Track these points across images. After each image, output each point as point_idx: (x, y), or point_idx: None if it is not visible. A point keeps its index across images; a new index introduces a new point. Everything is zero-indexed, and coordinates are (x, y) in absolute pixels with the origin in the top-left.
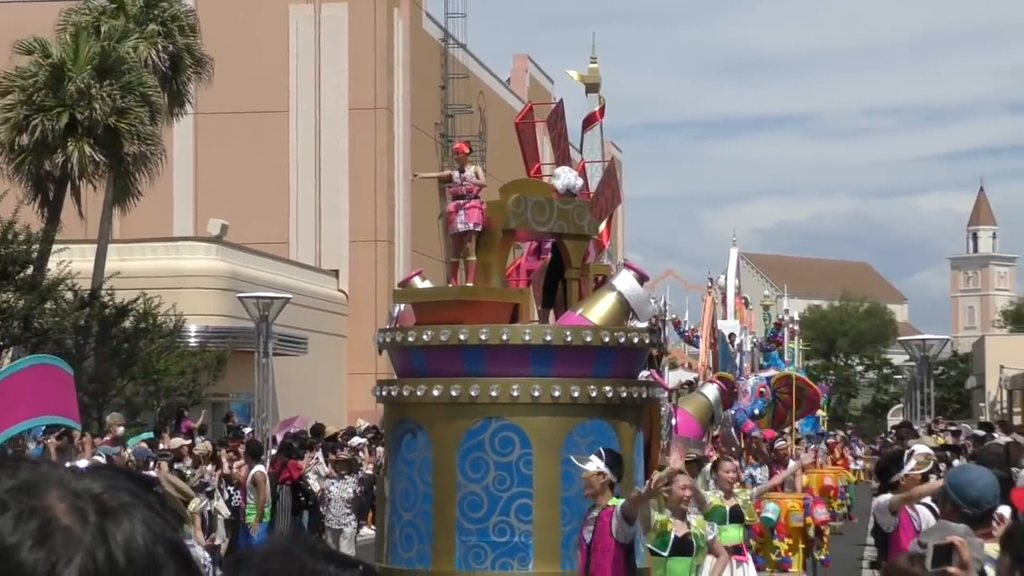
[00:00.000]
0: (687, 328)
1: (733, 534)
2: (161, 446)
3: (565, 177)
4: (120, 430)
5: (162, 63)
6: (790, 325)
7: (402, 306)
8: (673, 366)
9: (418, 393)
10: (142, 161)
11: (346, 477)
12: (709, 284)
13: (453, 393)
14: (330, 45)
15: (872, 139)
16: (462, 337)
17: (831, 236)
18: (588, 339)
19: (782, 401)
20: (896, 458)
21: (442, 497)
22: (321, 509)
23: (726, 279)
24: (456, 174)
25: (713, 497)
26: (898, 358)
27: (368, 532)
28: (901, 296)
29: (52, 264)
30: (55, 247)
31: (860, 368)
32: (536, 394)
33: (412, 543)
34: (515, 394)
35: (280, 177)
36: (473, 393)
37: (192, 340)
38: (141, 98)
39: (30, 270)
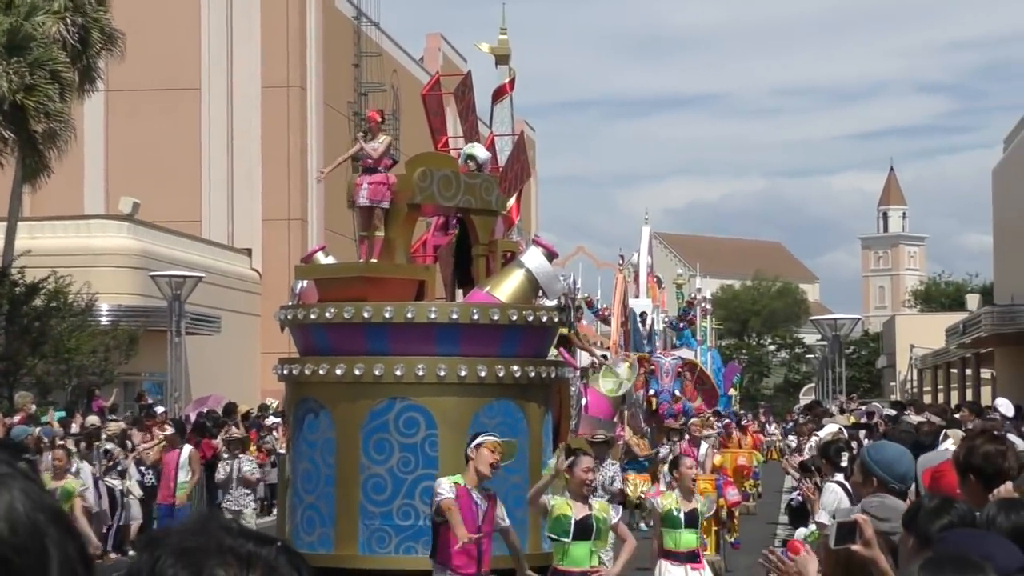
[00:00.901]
0: (600, 307)
1: (688, 539)
2: (73, 427)
3: (465, 149)
4: (32, 408)
5: (71, 37)
6: (702, 304)
7: (305, 283)
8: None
9: (320, 372)
10: (51, 138)
11: (240, 456)
12: (620, 262)
13: (356, 372)
14: (242, 22)
15: (783, 119)
16: (366, 315)
17: (743, 215)
18: (495, 317)
19: (683, 388)
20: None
21: (345, 479)
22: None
23: (638, 258)
24: (365, 144)
25: (556, 500)
26: (810, 337)
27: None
28: (812, 276)
29: None
30: None
31: (772, 348)
32: (442, 374)
33: (314, 526)
34: (420, 374)
35: (192, 155)
36: (377, 372)
37: (104, 319)
38: (50, 74)
39: None
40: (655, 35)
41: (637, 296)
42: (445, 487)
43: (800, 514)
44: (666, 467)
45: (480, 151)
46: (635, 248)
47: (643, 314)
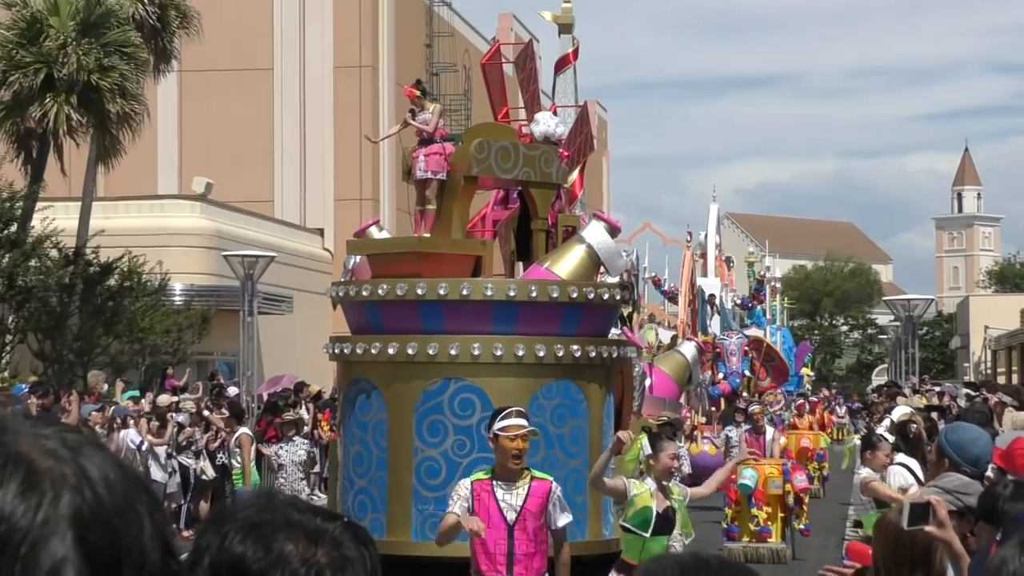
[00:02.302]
0: (668, 286)
1: (654, 548)
2: (145, 406)
3: (544, 123)
4: (105, 387)
5: (149, 16)
6: (772, 283)
7: (358, 258)
8: (653, 324)
9: (372, 351)
10: (126, 119)
11: (294, 439)
12: (688, 238)
13: (409, 351)
14: (315, 2)
15: (856, 99)
16: (419, 291)
17: (815, 196)
18: (555, 295)
19: (751, 367)
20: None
21: (398, 463)
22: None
23: (706, 236)
24: (413, 121)
25: (640, 488)
26: (883, 318)
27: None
28: (886, 256)
29: (36, 221)
30: (39, 204)
31: (845, 328)
32: (499, 353)
33: (366, 511)
34: (476, 353)
35: (265, 135)
36: (431, 352)
37: (177, 298)
38: (126, 55)
39: (14, 227)
40: (728, 15)
41: (705, 275)
42: (456, 495)
43: (922, 513)
44: (643, 454)
45: (542, 124)
46: (703, 225)
47: (711, 296)
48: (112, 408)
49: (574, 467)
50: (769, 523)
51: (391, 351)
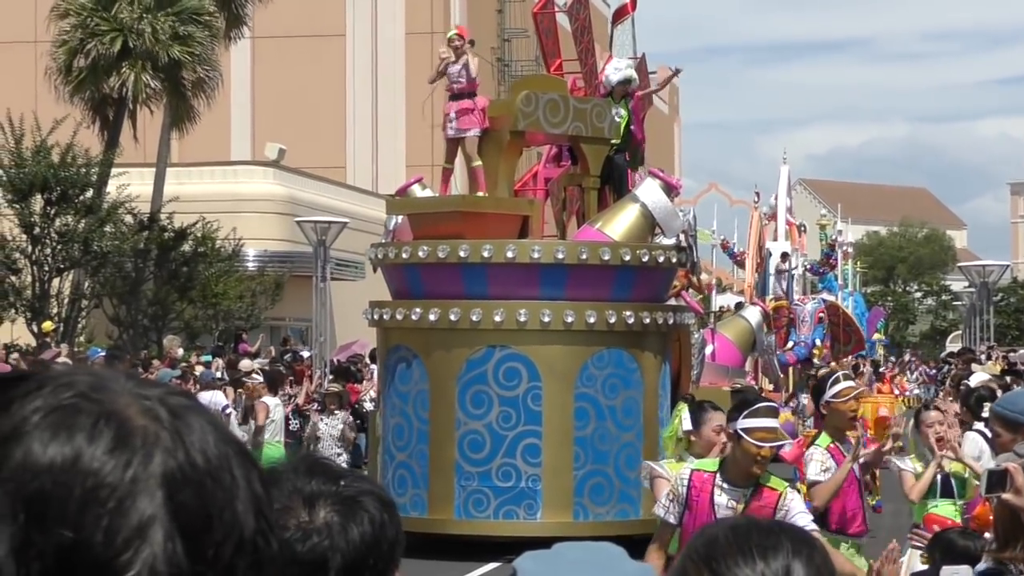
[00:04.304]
0: (736, 250)
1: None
2: (217, 372)
3: (620, 69)
4: (179, 352)
5: None
6: (844, 247)
7: (399, 218)
8: (721, 289)
9: (413, 317)
10: (199, 86)
11: (336, 412)
12: (755, 199)
13: (452, 318)
14: None
15: (929, 63)
16: (462, 254)
17: (886, 162)
18: (606, 257)
19: (834, 328)
20: (827, 379)
21: (439, 435)
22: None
23: (777, 199)
24: (450, 65)
25: (675, 471)
26: (957, 284)
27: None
28: (960, 222)
29: (111, 187)
30: (114, 171)
31: (919, 295)
32: (546, 320)
33: (406, 487)
34: (522, 319)
35: (337, 101)
36: (474, 318)
37: (250, 264)
38: (200, 23)
39: (89, 193)
40: None
41: (775, 240)
42: (669, 490)
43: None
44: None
45: (633, 72)
46: (773, 190)
47: (785, 254)
48: (200, 372)
49: (627, 441)
50: None
51: (432, 317)
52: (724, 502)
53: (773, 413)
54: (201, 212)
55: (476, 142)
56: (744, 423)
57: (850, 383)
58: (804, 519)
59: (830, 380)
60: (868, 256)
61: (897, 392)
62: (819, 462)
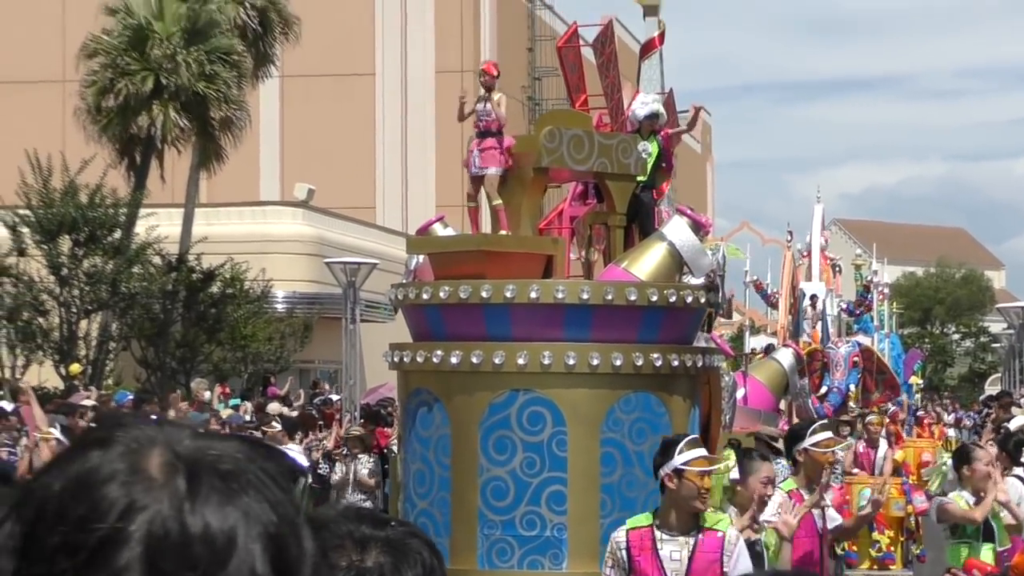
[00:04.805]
0: (770, 290)
1: None
2: (245, 415)
3: (647, 103)
4: (206, 395)
5: (251, 20)
6: (880, 288)
7: (420, 258)
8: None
9: (434, 359)
10: (227, 125)
11: (360, 456)
12: (788, 238)
13: (474, 360)
14: (416, 5)
15: (963, 101)
16: (484, 294)
17: (922, 201)
18: (633, 297)
19: (867, 374)
20: (806, 426)
21: (462, 482)
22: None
23: (811, 238)
24: (478, 104)
25: (718, 519)
26: (996, 326)
27: None
28: (998, 262)
29: (139, 228)
30: (142, 211)
31: (956, 336)
32: (571, 362)
33: (428, 535)
34: (546, 362)
35: (366, 141)
36: (497, 360)
37: (279, 306)
38: (228, 62)
39: (118, 234)
40: (831, 15)
41: (809, 280)
42: (608, 555)
43: None
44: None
45: (661, 108)
46: (807, 229)
47: (813, 297)
48: (228, 415)
49: (655, 487)
50: (892, 548)
51: (454, 360)
52: (668, 554)
53: (700, 443)
54: (229, 253)
55: (496, 181)
56: (680, 458)
57: (829, 434)
58: (745, 562)
59: (811, 428)
60: (905, 297)
61: (937, 436)
62: (777, 503)
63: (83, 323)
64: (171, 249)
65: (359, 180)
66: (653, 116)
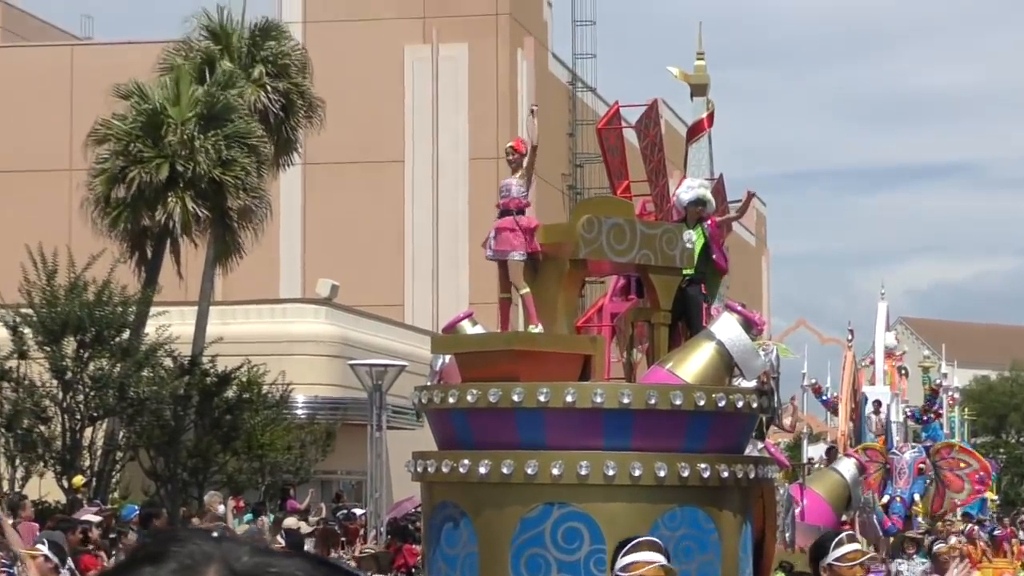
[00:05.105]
0: (830, 395)
1: None
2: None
3: (693, 188)
4: (220, 509)
5: (273, 104)
6: (950, 393)
7: (446, 358)
8: (813, 439)
9: (460, 470)
10: (246, 216)
11: None
12: (849, 338)
13: (504, 471)
14: (449, 89)
15: None
16: (515, 398)
17: (995, 298)
18: (678, 402)
19: (942, 480)
20: (830, 538)
21: None
22: None
23: (874, 338)
24: (508, 179)
25: None
26: None
27: None
28: None
29: (150, 328)
30: (153, 310)
31: None
32: (611, 473)
33: None
34: (584, 473)
35: (394, 233)
36: (529, 471)
37: (299, 411)
38: (248, 148)
39: (126, 334)
40: (895, 99)
41: (873, 384)
42: None
43: None
44: None
45: (708, 193)
46: (869, 328)
47: (877, 402)
48: (245, 532)
49: None
50: None
51: (482, 470)
52: None
53: (656, 548)
54: (246, 355)
55: (520, 267)
56: (622, 562)
57: (857, 546)
58: None
59: (835, 541)
60: (977, 403)
61: (1016, 555)
62: None
63: (88, 431)
64: (183, 351)
65: (386, 275)
66: (698, 202)
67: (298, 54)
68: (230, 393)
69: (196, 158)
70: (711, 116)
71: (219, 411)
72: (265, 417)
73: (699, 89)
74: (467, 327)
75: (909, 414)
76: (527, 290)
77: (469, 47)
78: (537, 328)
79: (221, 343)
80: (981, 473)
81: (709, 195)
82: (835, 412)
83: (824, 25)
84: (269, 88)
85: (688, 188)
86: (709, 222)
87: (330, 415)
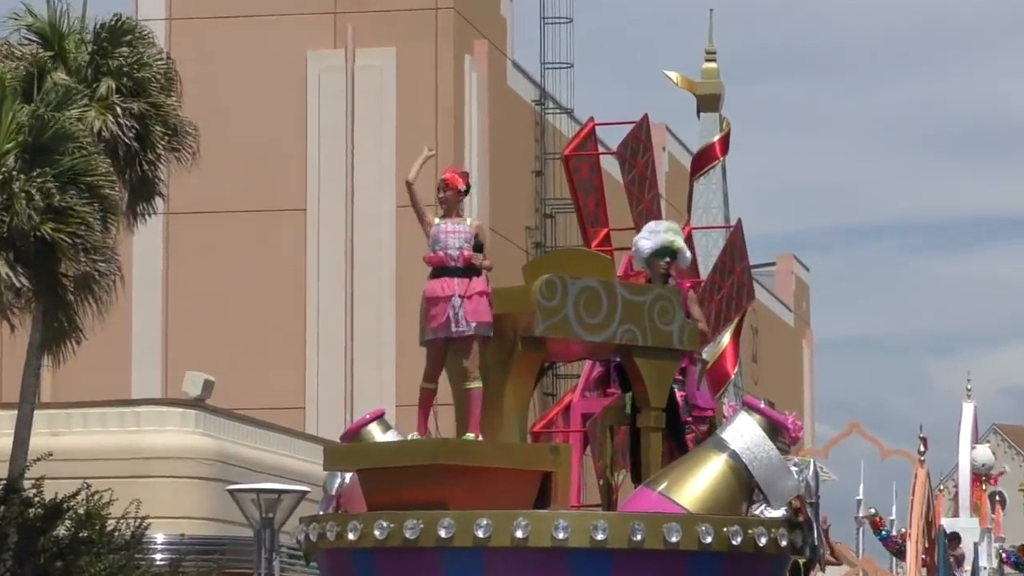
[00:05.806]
0: (892, 532)
1: None
2: None
3: (653, 235)
4: None
5: (125, 132)
6: None
7: (346, 476)
8: None
9: None
10: (87, 286)
11: None
12: (922, 449)
13: None
14: (369, 110)
15: None
16: (443, 533)
17: None
18: (674, 539)
19: None
20: None
21: None
22: None
23: (958, 452)
24: (433, 221)
25: None
26: None
27: None
28: None
29: None
30: None
31: None
32: None
33: None
34: None
35: (293, 309)
36: None
37: (158, 556)
38: (89, 191)
39: None
40: (988, 126)
41: (956, 513)
42: None
43: None
44: None
45: (679, 240)
46: (951, 437)
47: (955, 535)
48: None
49: None
50: None
51: None
52: None
53: None
54: (85, 477)
55: (478, 349)
56: None
57: None
58: None
59: None
60: None
61: None
62: None
63: None
64: None
65: (281, 368)
66: (663, 252)
67: (160, 64)
68: (62, 531)
69: (15, 206)
70: (725, 139)
71: (46, 555)
72: (111, 564)
73: (708, 102)
74: (376, 433)
75: (1005, 557)
76: (478, 384)
77: (397, 52)
78: (474, 436)
79: (51, 461)
80: None
81: (680, 242)
82: (900, 554)
83: (891, 22)
84: (120, 109)
85: (651, 233)
86: (681, 282)
87: (201, 561)
